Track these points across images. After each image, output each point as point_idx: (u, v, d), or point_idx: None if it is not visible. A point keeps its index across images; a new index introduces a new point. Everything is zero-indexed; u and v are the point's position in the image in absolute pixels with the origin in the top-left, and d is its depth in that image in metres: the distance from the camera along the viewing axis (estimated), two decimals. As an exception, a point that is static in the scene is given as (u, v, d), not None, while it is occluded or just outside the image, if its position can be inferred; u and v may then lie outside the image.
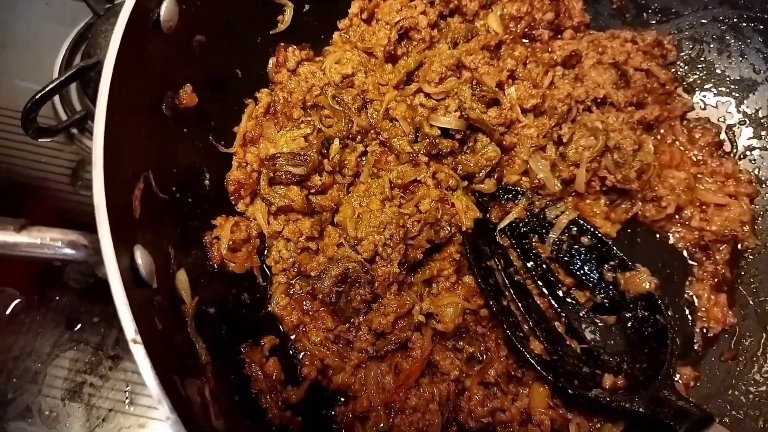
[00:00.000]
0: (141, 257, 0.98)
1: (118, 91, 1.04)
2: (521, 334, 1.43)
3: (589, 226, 1.55)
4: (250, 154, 1.48)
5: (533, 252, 1.59)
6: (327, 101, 1.51)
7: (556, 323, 1.51)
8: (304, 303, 1.47)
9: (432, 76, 1.57)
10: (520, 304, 1.47)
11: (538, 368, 1.36)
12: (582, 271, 1.55)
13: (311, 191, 1.46)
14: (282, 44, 1.60)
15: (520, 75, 1.67)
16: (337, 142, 1.49)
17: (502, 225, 1.58)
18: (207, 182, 1.40)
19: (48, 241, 0.92)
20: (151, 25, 1.16)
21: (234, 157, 1.50)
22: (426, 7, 1.67)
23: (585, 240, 1.55)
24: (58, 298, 1.77)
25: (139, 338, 0.85)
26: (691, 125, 1.76)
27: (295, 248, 1.47)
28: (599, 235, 1.54)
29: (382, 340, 1.42)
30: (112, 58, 1.03)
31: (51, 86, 1.66)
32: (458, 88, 1.55)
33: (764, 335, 1.54)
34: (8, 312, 1.74)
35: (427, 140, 1.51)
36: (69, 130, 1.93)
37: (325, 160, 1.47)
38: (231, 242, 1.38)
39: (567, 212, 1.58)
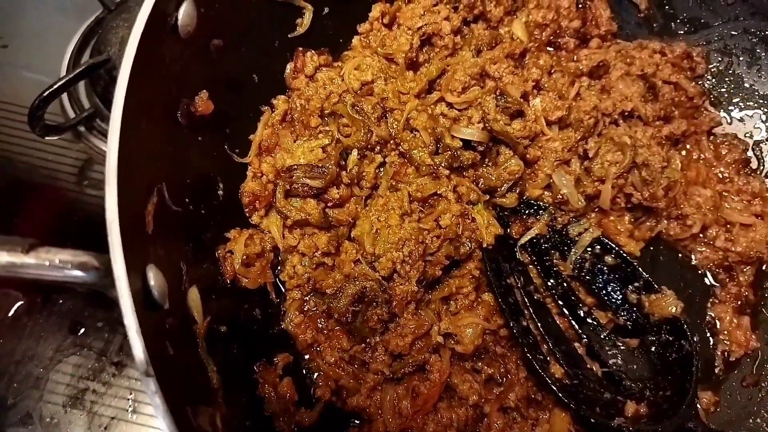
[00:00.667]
0: (154, 278, 0.93)
1: (133, 99, 0.99)
2: (541, 357, 1.39)
3: (613, 245, 1.50)
4: (265, 165, 1.43)
5: (554, 270, 1.53)
6: (346, 110, 1.45)
7: (577, 344, 1.46)
8: (319, 321, 1.42)
9: (455, 85, 1.51)
10: (539, 324, 1.43)
11: (560, 394, 1.31)
12: (604, 291, 1.50)
13: (328, 204, 1.41)
14: (300, 49, 1.54)
15: (546, 85, 1.61)
16: (355, 153, 1.43)
17: (522, 241, 1.53)
18: (221, 193, 1.35)
19: (57, 263, 0.87)
20: (169, 29, 1.10)
21: (249, 168, 1.45)
22: (450, 13, 1.61)
23: (609, 259, 1.50)
24: (61, 301, 1.73)
25: (151, 370, 0.80)
26: (717, 141, 1.71)
27: (310, 263, 1.43)
28: (624, 254, 1.49)
29: (399, 362, 1.38)
30: (128, 66, 0.97)
31: (59, 83, 1.61)
32: (482, 98, 1.50)
33: (789, 362, 1.50)
34: (10, 315, 1.70)
35: (449, 152, 1.45)
36: (77, 128, 1.88)
37: (343, 172, 1.41)
38: (245, 256, 1.33)
39: (590, 230, 1.53)
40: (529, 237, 1.53)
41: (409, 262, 1.36)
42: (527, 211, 1.56)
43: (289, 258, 1.44)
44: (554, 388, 1.31)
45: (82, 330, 1.70)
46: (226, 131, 1.36)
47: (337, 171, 1.38)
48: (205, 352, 1.07)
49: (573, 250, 1.52)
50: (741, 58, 1.75)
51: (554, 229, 1.55)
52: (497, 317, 1.44)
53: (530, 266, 1.54)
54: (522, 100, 1.53)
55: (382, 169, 1.50)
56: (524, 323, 1.43)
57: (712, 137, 1.72)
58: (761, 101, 1.73)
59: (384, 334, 1.38)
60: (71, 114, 1.89)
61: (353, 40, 1.64)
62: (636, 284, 1.47)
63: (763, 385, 1.49)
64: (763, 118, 1.73)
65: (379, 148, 1.48)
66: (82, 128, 1.89)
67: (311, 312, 1.42)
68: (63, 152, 1.90)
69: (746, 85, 1.74)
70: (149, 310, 0.92)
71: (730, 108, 1.76)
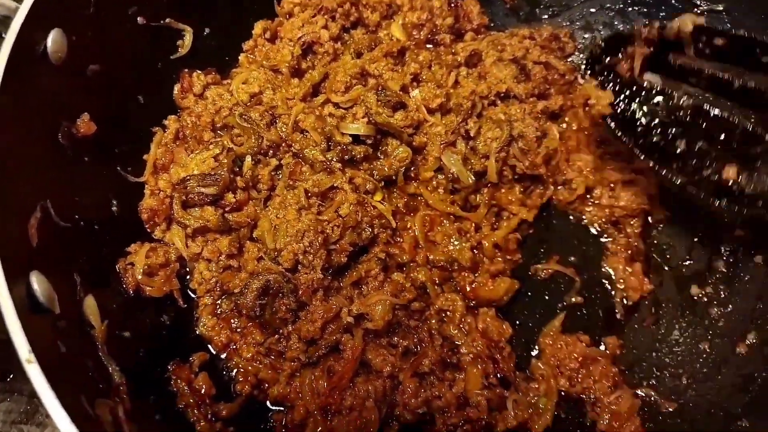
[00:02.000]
0: (38, 283, 0.98)
1: (6, 124, 1.05)
2: None
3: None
4: (162, 181, 1.48)
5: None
6: (235, 120, 1.53)
7: None
8: (232, 321, 1.46)
9: (337, 86, 1.61)
10: None
11: None
12: None
13: (226, 209, 1.47)
14: (186, 71, 1.62)
15: (425, 77, 1.73)
16: (249, 158, 1.51)
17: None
18: (115, 209, 1.40)
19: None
20: (38, 57, 1.17)
21: (146, 186, 1.50)
22: (327, 22, 1.72)
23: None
24: (-16, 350, 1.73)
25: (33, 357, 0.85)
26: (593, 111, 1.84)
27: (216, 268, 1.47)
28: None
29: (313, 347, 1.43)
30: (-6, 92, 1.03)
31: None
32: (364, 95, 1.60)
33: (680, 298, 1.60)
34: (-69, 373, 1.68)
35: (339, 147, 1.54)
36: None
37: (238, 177, 1.48)
38: (146, 267, 1.37)
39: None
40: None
41: (312, 252, 1.41)
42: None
43: (196, 266, 1.48)
44: None
45: (11, 375, 1.70)
46: (115, 151, 1.42)
47: (231, 177, 1.45)
48: (105, 354, 1.11)
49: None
50: (603, 32, 1.91)
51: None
52: (406, 293, 1.50)
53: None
54: (402, 92, 1.64)
55: (279, 172, 1.57)
56: None
57: (587, 108, 1.85)
58: (627, 68, 1.88)
59: (295, 323, 1.42)
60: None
61: (240, 57, 1.73)
62: None
63: (661, 323, 1.59)
64: (631, 83, 1.88)
65: (272, 152, 1.56)
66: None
67: (224, 314, 1.47)
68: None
69: (611, 55, 1.90)
70: (35, 312, 0.96)
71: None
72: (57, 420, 0.83)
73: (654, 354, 1.55)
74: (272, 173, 1.56)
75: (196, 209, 1.45)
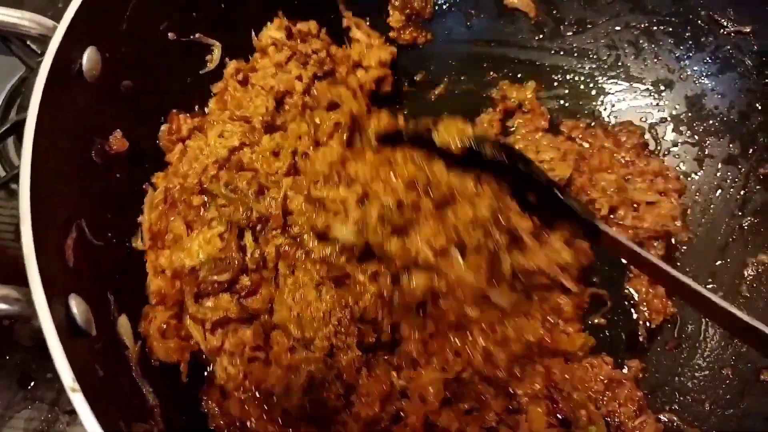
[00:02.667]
0: (76, 306, 0.99)
1: (43, 142, 1.05)
2: None
3: None
4: (163, 259, 1.33)
5: None
6: (219, 189, 1.39)
7: None
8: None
9: (315, 176, 1.42)
10: None
11: None
12: None
13: (242, 295, 1.34)
14: (174, 111, 1.49)
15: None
16: (249, 236, 1.38)
17: None
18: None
19: (-20, 297, 0.92)
20: (74, 75, 1.17)
21: (147, 262, 1.34)
22: (301, 71, 1.63)
23: None
24: (8, 357, 1.73)
25: (77, 386, 0.85)
26: (615, 129, 1.84)
27: (242, 361, 1.31)
28: None
29: (376, 426, 1.31)
30: (34, 112, 1.04)
31: (-16, 143, 1.66)
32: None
33: (704, 321, 1.60)
34: (-43, 376, 1.70)
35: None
36: (8, 186, 1.89)
37: (246, 257, 1.36)
38: (163, 325, 1.26)
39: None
40: None
41: (343, 331, 1.31)
42: None
43: (217, 360, 1.32)
44: None
45: (32, 383, 1.71)
46: (146, 166, 1.42)
47: (241, 257, 1.34)
48: (139, 375, 1.12)
49: None
50: (627, 50, 1.90)
51: None
52: (455, 364, 1.36)
53: None
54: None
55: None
56: None
57: (610, 126, 1.86)
58: (651, 87, 1.88)
59: (349, 408, 1.31)
60: (1, 173, 1.92)
61: (210, 103, 1.59)
62: None
63: (684, 346, 1.59)
64: (654, 102, 1.88)
65: (260, 226, 1.41)
66: (14, 185, 1.90)
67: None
68: (-4, 211, 1.93)
69: (634, 74, 1.89)
70: (75, 336, 0.97)
71: (623, 95, 1.89)
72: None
73: (676, 378, 1.55)
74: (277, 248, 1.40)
75: (209, 300, 1.32)
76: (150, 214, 1.37)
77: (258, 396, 1.28)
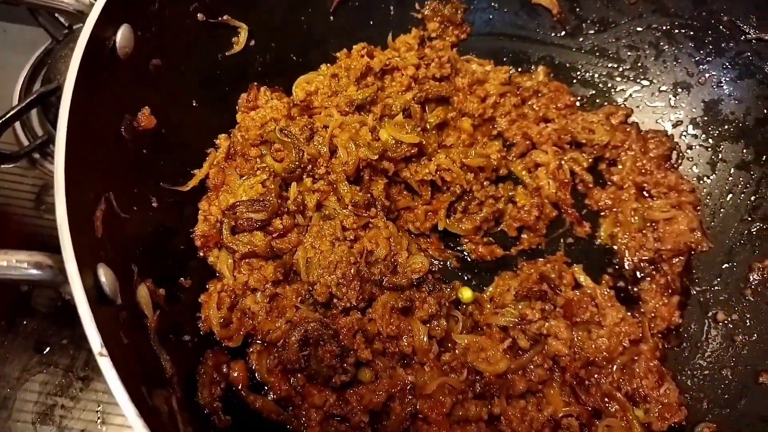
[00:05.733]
0: (104, 275, 1.02)
1: (77, 116, 1.08)
2: None
3: None
4: (214, 207, 1.50)
5: None
6: (275, 135, 1.52)
7: None
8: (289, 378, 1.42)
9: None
10: None
11: None
12: None
13: (273, 236, 1.48)
14: (255, 84, 1.67)
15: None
16: (294, 185, 1.53)
17: None
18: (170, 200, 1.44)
19: (14, 263, 0.95)
20: (107, 51, 1.21)
21: (200, 211, 1.51)
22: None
23: None
24: (26, 322, 1.78)
25: (105, 351, 0.89)
26: (648, 136, 1.85)
27: (263, 297, 1.45)
28: None
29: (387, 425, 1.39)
30: (70, 86, 1.07)
31: (12, 113, 1.69)
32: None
33: (706, 322, 1.63)
34: (-25, 340, 1.74)
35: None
36: (31, 155, 1.94)
37: (287, 201, 1.50)
38: (222, 320, 1.39)
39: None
40: None
41: (345, 284, 1.41)
42: None
43: (243, 301, 1.45)
44: None
45: (48, 349, 1.75)
46: (171, 143, 1.45)
47: (279, 202, 1.47)
48: (156, 343, 1.16)
49: None
50: (648, 52, 1.92)
51: None
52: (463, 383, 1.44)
53: None
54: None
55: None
56: None
57: (642, 132, 1.87)
58: (669, 89, 1.90)
59: (355, 387, 1.39)
60: (25, 142, 1.96)
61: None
62: None
63: (685, 345, 1.62)
64: (672, 103, 1.89)
65: (311, 167, 1.54)
66: (36, 155, 1.95)
67: (276, 371, 1.41)
68: (19, 179, 1.96)
69: (654, 75, 1.91)
70: (102, 304, 1.01)
71: (640, 95, 1.93)
72: (126, 412, 0.87)
73: (677, 378, 1.57)
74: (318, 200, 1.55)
75: (245, 234, 1.47)
76: (209, 168, 1.55)
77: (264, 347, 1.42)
